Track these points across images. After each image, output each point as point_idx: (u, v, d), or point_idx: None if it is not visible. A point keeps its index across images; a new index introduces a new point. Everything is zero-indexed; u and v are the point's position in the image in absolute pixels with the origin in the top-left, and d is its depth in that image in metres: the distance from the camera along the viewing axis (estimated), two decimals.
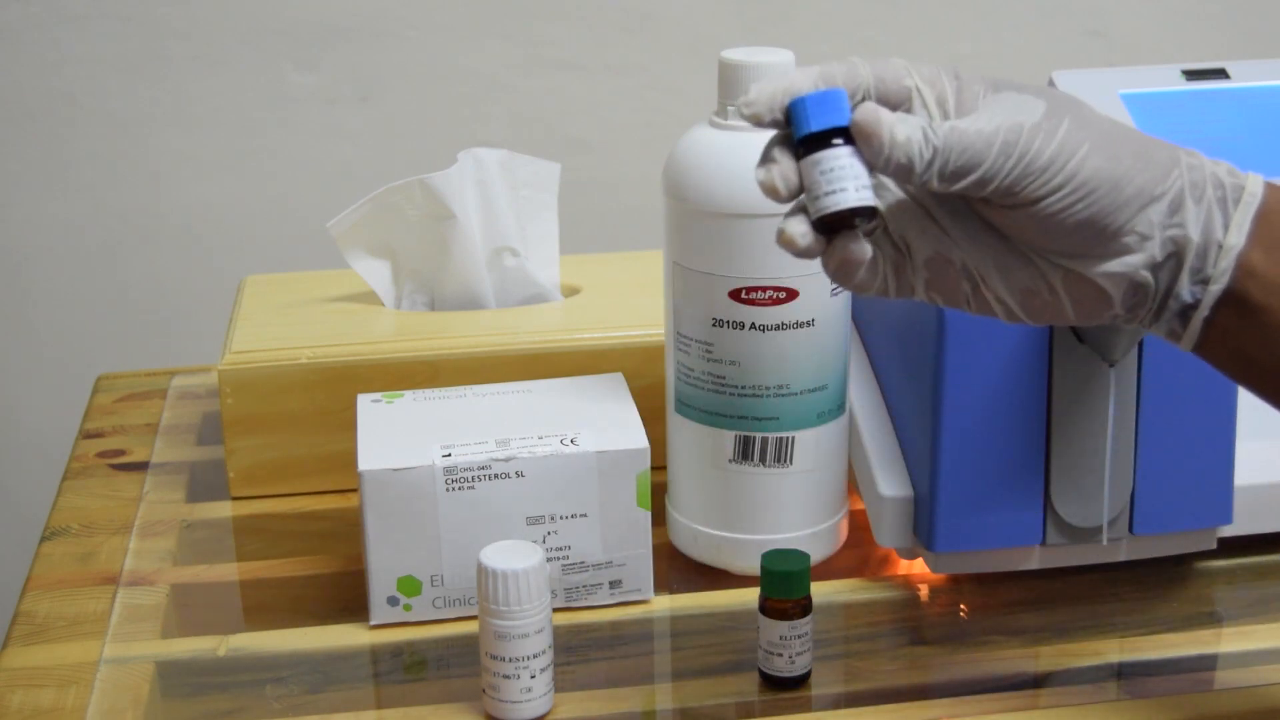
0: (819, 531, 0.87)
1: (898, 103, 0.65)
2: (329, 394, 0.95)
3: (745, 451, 0.84)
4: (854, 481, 0.90)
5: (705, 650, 0.81)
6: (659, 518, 0.87)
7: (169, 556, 0.91)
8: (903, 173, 0.64)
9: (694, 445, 0.86)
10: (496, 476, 0.81)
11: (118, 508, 0.96)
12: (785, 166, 0.65)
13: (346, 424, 0.92)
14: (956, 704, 0.76)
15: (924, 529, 0.83)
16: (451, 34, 1.42)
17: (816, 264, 0.81)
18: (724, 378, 0.83)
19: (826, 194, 0.64)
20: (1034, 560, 0.84)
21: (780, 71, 0.81)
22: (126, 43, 1.39)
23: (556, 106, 1.45)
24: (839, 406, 0.85)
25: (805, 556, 0.77)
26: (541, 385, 0.89)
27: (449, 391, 0.89)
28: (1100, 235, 0.65)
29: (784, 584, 0.76)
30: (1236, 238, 0.65)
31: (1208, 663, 0.80)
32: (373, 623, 0.83)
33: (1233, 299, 0.66)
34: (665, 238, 0.85)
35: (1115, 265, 0.66)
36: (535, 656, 0.74)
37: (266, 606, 0.87)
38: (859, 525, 0.90)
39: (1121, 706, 0.76)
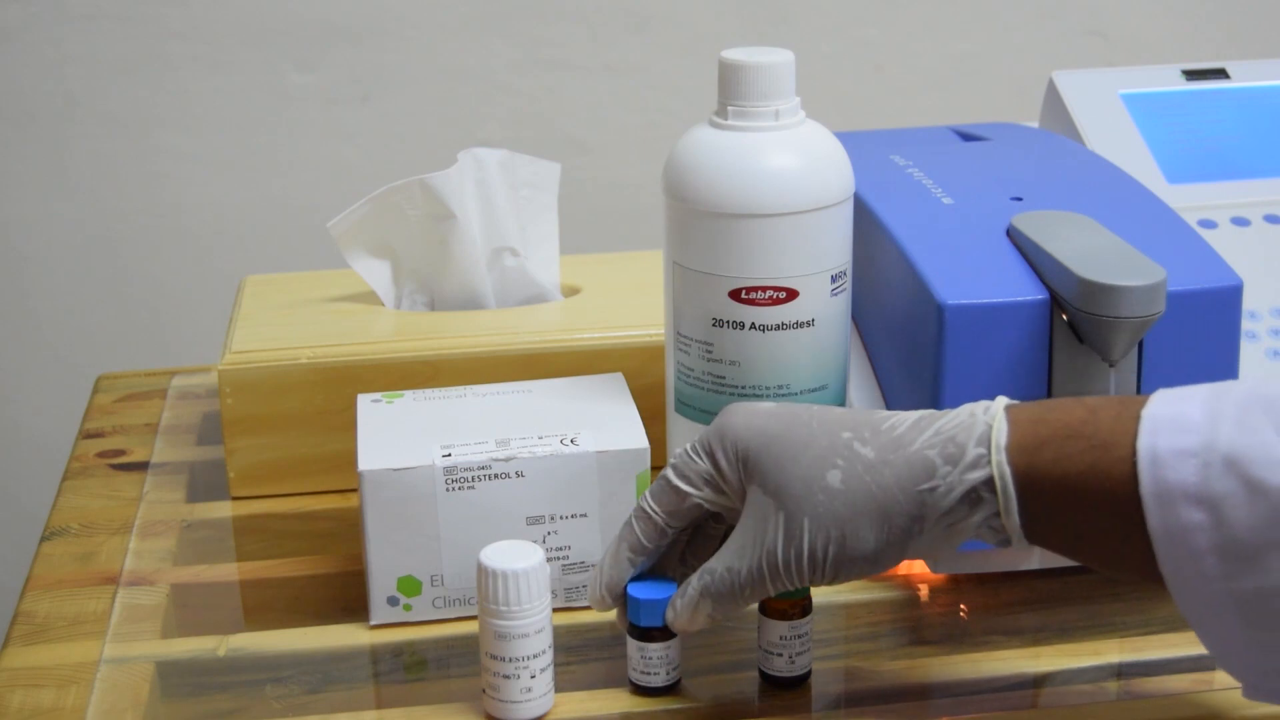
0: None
1: (696, 515, 0.75)
2: (329, 394, 0.95)
3: None
4: None
5: (705, 650, 0.81)
6: None
7: (169, 556, 0.91)
8: (732, 611, 0.74)
9: None
10: (496, 476, 0.81)
11: (118, 508, 0.96)
12: (624, 624, 0.77)
13: (346, 424, 0.92)
14: (956, 704, 0.76)
15: None
16: (451, 34, 1.42)
17: (816, 264, 0.82)
18: (724, 378, 0.83)
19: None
20: (1034, 560, 0.84)
21: (780, 72, 0.81)
22: (126, 43, 1.39)
23: (556, 106, 1.45)
24: (839, 406, 0.85)
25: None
26: (541, 385, 0.89)
27: (449, 391, 0.89)
28: (897, 568, 0.74)
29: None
30: (1010, 521, 0.68)
31: (1208, 663, 0.80)
32: (373, 623, 0.83)
33: (1040, 538, 0.69)
34: (665, 238, 0.85)
35: (928, 562, 0.74)
36: (535, 656, 0.74)
37: (266, 606, 0.87)
38: None
39: (1121, 706, 0.76)
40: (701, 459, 0.74)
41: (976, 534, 0.70)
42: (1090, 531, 0.68)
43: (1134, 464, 0.65)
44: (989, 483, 0.68)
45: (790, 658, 0.77)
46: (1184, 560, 0.65)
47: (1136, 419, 0.66)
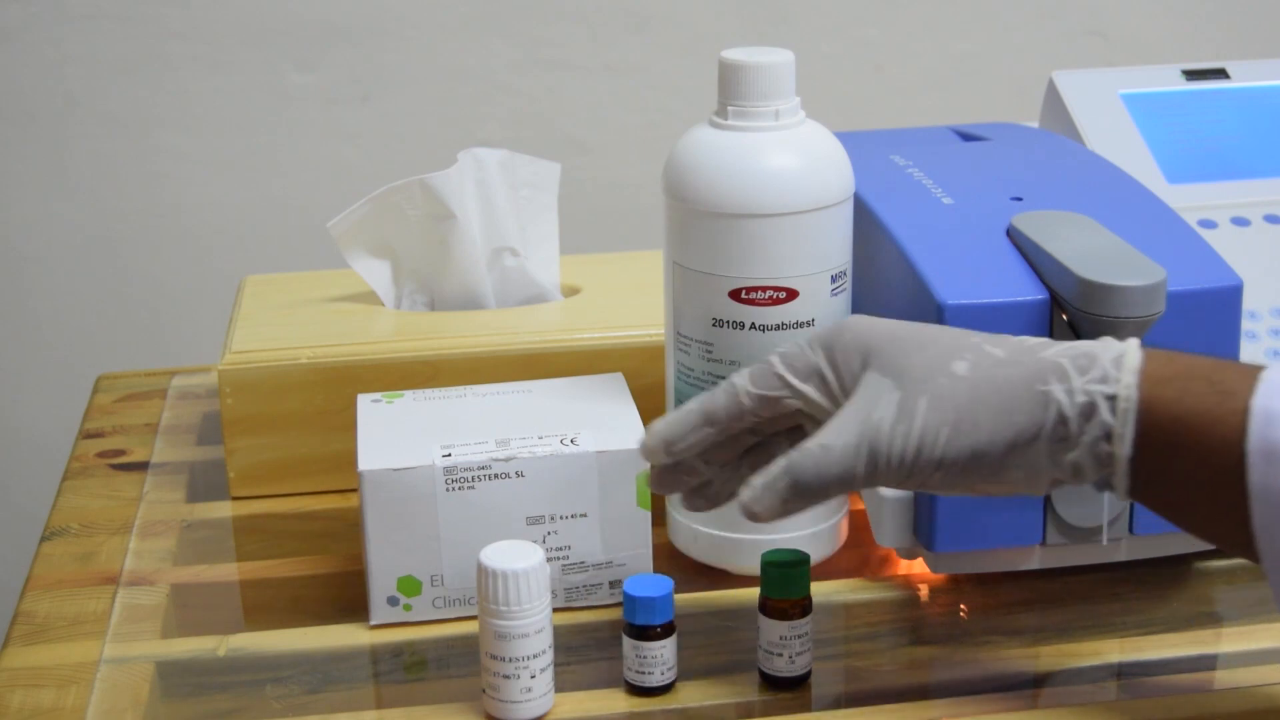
0: (819, 531, 0.87)
1: (783, 411, 0.72)
2: (329, 394, 0.95)
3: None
4: None
5: (705, 650, 0.81)
6: (659, 518, 0.87)
7: (169, 556, 0.91)
8: (807, 502, 0.71)
9: None
10: (496, 476, 0.81)
11: (118, 508, 0.96)
12: (657, 483, 0.76)
13: (346, 424, 0.92)
14: (956, 704, 0.76)
15: (924, 529, 0.83)
16: (451, 34, 1.42)
17: (816, 264, 0.82)
18: (724, 378, 0.83)
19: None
20: (1034, 560, 0.84)
21: (780, 72, 0.81)
22: (126, 43, 1.39)
23: (556, 106, 1.45)
24: None
25: (805, 556, 0.76)
26: (541, 385, 0.89)
27: (449, 391, 0.89)
28: (991, 484, 0.70)
29: (784, 584, 0.76)
30: (1122, 450, 0.68)
31: (1208, 663, 0.80)
32: (373, 623, 0.83)
33: (1142, 483, 0.69)
34: (665, 238, 0.85)
35: (1020, 487, 0.70)
36: (535, 656, 0.74)
37: (266, 606, 0.87)
38: (859, 525, 0.90)
39: (1121, 706, 0.76)
40: (815, 352, 0.72)
41: (1079, 461, 0.68)
42: (1193, 479, 0.67)
43: (1246, 417, 0.65)
44: (1112, 400, 0.67)
45: (790, 657, 0.77)
46: (1276, 522, 0.65)
47: (1257, 378, 0.66)
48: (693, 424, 0.73)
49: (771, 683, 0.77)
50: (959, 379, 0.69)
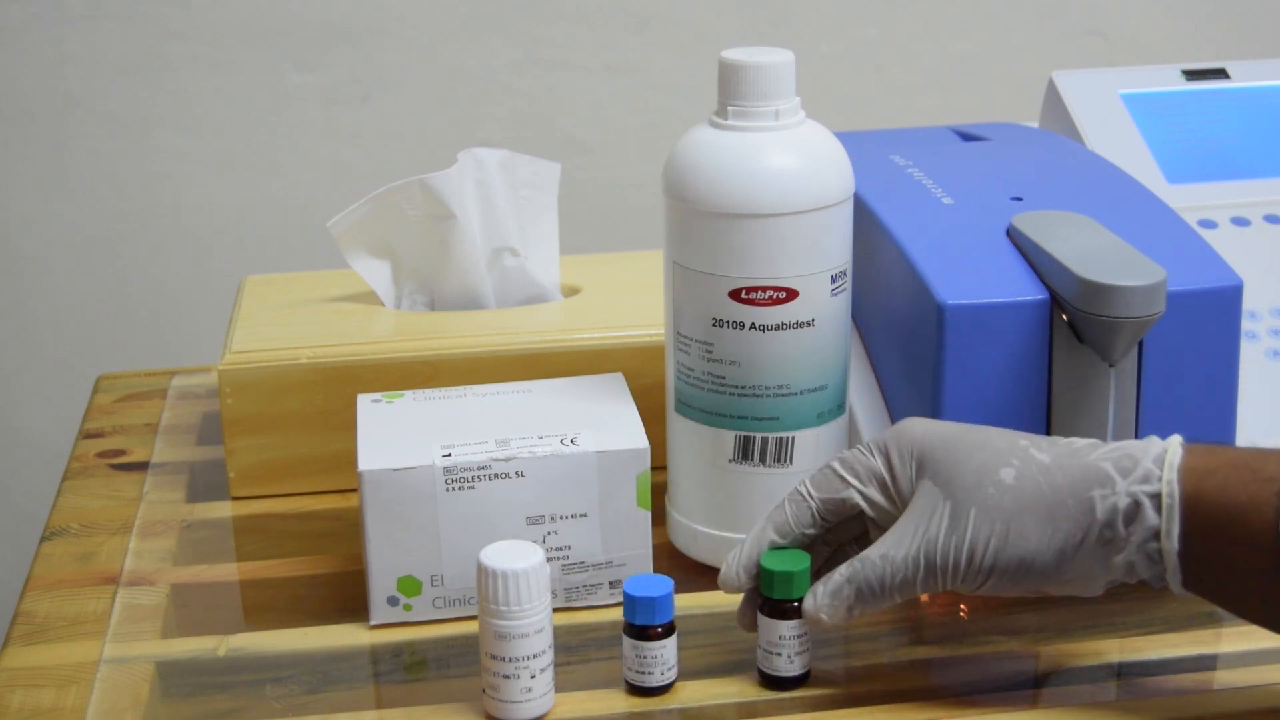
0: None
1: (849, 513, 0.76)
2: (329, 394, 0.95)
3: (745, 451, 0.84)
4: None
5: (705, 650, 0.81)
6: (659, 518, 0.87)
7: (169, 556, 0.91)
8: (869, 606, 0.74)
9: (694, 445, 0.86)
10: (496, 476, 0.81)
11: (118, 508, 0.96)
12: (745, 618, 0.78)
13: (346, 424, 0.92)
14: (956, 704, 0.76)
15: None
16: (451, 34, 1.42)
17: (816, 264, 0.82)
18: (724, 378, 0.83)
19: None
20: None
21: (780, 72, 0.81)
22: (126, 43, 1.39)
23: (556, 106, 1.45)
24: (839, 406, 0.85)
25: (805, 556, 0.76)
26: (541, 385, 0.89)
27: (449, 391, 0.89)
28: (1037, 588, 0.72)
29: (784, 584, 0.76)
30: (1170, 545, 0.69)
31: (1208, 663, 0.80)
32: (373, 623, 0.83)
33: (1194, 576, 0.70)
34: (665, 238, 0.85)
35: (1073, 590, 0.72)
36: (535, 656, 0.74)
37: (266, 606, 0.87)
38: None
39: (1121, 706, 0.76)
40: (874, 456, 0.75)
41: (1131, 561, 0.70)
42: (1244, 568, 0.69)
43: None
44: (1156, 498, 0.69)
45: (790, 657, 0.77)
46: None
47: None
48: (766, 543, 0.76)
49: (771, 682, 0.77)
50: (1006, 488, 0.71)
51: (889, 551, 0.72)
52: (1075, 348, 0.80)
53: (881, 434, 0.75)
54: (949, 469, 0.72)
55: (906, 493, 0.74)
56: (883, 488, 0.75)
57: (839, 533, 0.78)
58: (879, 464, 0.75)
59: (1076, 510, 0.70)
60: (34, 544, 0.93)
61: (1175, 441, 0.71)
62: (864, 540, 0.77)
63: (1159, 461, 0.70)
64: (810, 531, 0.76)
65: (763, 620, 0.77)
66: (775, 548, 0.76)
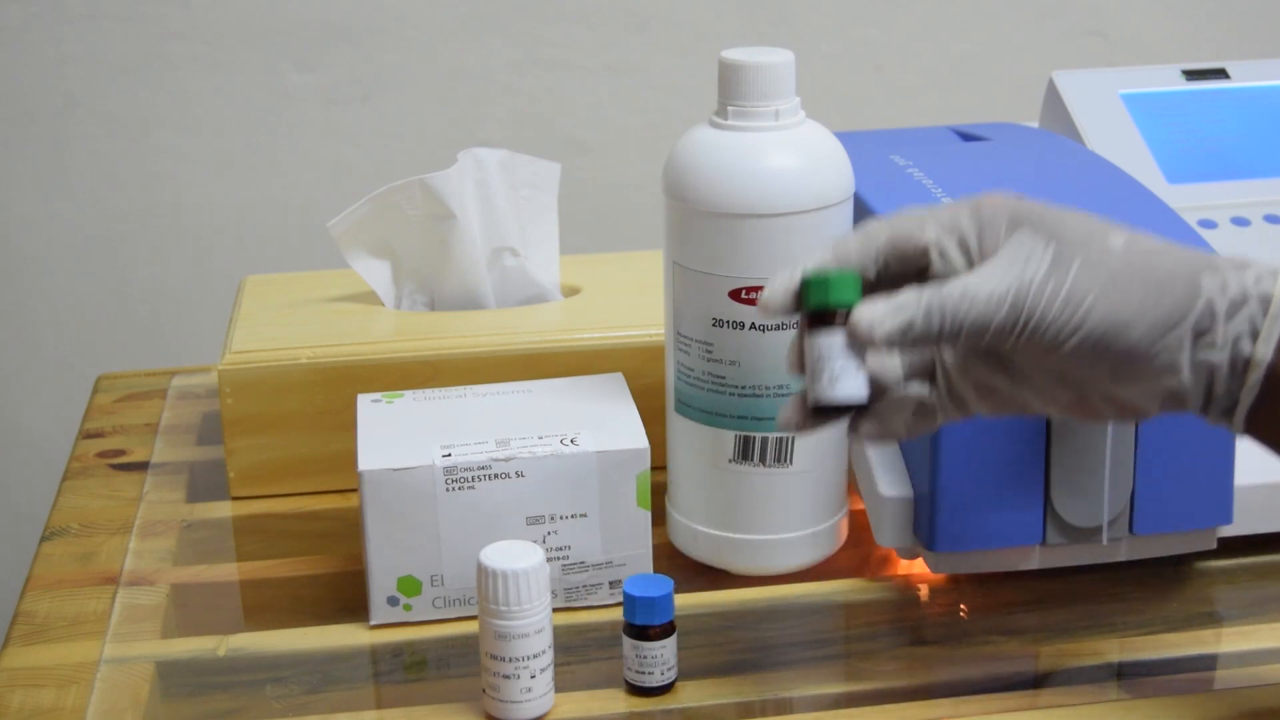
0: (819, 531, 0.87)
1: (916, 260, 0.69)
2: (329, 394, 0.95)
3: (745, 451, 0.84)
4: (854, 481, 0.90)
5: (705, 650, 0.81)
6: (659, 518, 0.87)
7: (169, 556, 0.91)
8: (914, 346, 0.68)
9: (694, 445, 0.86)
10: (496, 476, 0.81)
11: (118, 508, 0.96)
12: (794, 350, 0.70)
13: (346, 424, 0.92)
14: (956, 704, 0.76)
15: (924, 529, 0.83)
16: (451, 34, 1.42)
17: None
18: (724, 378, 0.83)
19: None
20: (1034, 560, 0.84)
21: (780, 72, 0.81)
22: (126, 43, 1.39)
23: (556, 106, 1.45)
24: None
25: (856, 275, 0.69)
26: (541, 385, 0.89)
27: (449, 391, 0.89)
28: (1119, 370, 0.67)
29: (824, 287, 0.67)
30: (1265, 350, 0.66)
31: (1208, 663, 0.80)
32: (373, 623, 0.83)
33: (1270, 399, 0.67)
34: (665, 238, 0.85)
35: (1144, 388, 0.68)
36: (535, 656, 0.74)
37: (266, 606, 0.87)
38: (859, 525, 0.90)
39: (1121, 706, 0.76)
40: (959, 208, 0.69)
41: (1213, 364, 0.67)
42: None
43: None
44: (1265, 301, 0.66)
45: (832, 378, 0.68)
46: None
47: None
48: (822, 260, 0.69)
49: (821, 413, 0.69)
50: (1114, 252, 0.67)
51: (970, 287, 0.66)
52: None
53: (968, 197, 0.70)
54: (1052, 223, 0.67)
55: (988, 252, 0.68)
56: (962, 245, 0.69)
57: (895, 285, 0.70)
58: (964, 217, 0.69)
59: (1184, 287, 0.66)
60: (34, 544, 0.93)
61: None
62: None
63: (1274, 274, 0.66)
64: (868, 267, 0.69)
65: (807, 342, 0.69)
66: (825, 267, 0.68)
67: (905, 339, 0.67)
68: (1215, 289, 0.67)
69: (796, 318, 0.70)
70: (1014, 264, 0.66)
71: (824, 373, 0.68)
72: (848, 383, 0.68)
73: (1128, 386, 0.68)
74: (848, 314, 0.67)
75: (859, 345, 0.67)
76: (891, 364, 0.70)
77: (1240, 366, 0.67)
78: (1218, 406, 0.68)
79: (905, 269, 0.70)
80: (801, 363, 0.70)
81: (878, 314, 0.66)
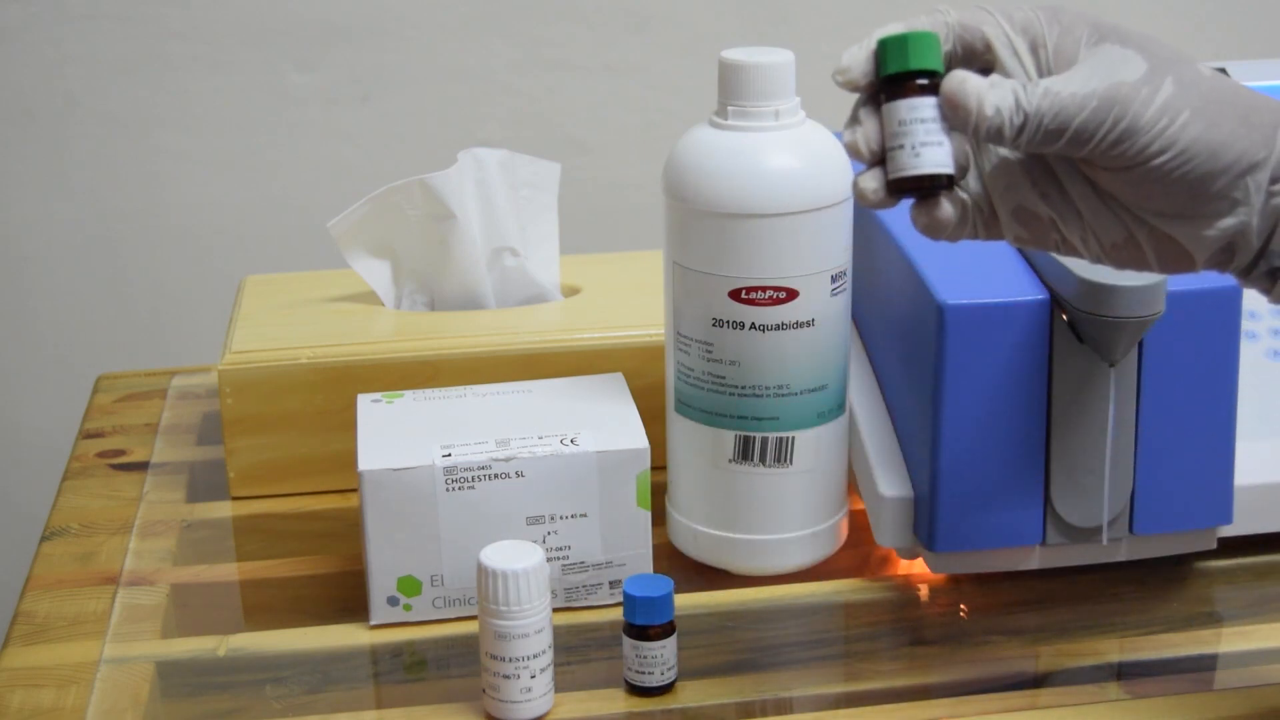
0: (819, 531, 0.87)
1: (981, 55, 0.65)
2: (329, 394, 0.95)
3: (745, 451, 0.84)
4: (854, 481, 0.90)
5: (705, 650, 0.81)
6: (659, 518, 0.87)
7: (169, 556, 0.91)
8: (993, 139, 0.63)
9: (694, 445, 0.86)
10: (496, 476, 0.81)
11: (118, 508, 0.96)
12: (869, 127, 0.64)
13: (346, 424, 0.92)
14: (956, 704, 0.76)
15: (924, 529, 0.83)
16: (451, 34, 1.42)
17: (816, 264, 0.82)
18: (724, 378, 0.83)
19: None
20: (1034, 560, 0.84)
21: (780, 72, 0.81)
22: (126, 43, 1.39)
23: (556, 106, 1.45)
24: (839, 406, 0.85)
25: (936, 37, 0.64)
26: (541, 385, 0.89)
27: (449, 391, 0.89)
28: (1195, 199, 0.64)
29: (906, 49, 0.62)
30: None
31: (1208, 663, 0.80)
32: (373, 623, 0.83)
33: None
34: (665, 238, 0.85)
35: (1208, 229, 0.65)
36: (535, 656, 0.74)
37: (266, 606, 0.87)
38: (859, 525, 0.90)
39: (1121, 706, 0.76)
40: (1038, 9, 0.65)
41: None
42: None
43: None
44: None
45: (915, 148, 0.63)
46: None
47: None
48: (890, 31, 0.65)
49: (905, 182, 0.64)
50: (1204, 76, 0.64)
51: (1054, 85, 0.62)
52: (1075, 348, 0.80)
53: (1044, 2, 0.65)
54: (1140, 40, 0.63)
55: (1065, 61, 0.64)
56: (1034, 45, 0.64)
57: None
58: (1040, 20, 0.64)
59: (1269, 126, 0.63)
60: (34, 544, 0.93)
61: None
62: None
63: None
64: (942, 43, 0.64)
65: (885, 111, 0.63)
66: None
67: (998, 122, 0.62)
68: None
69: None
70: (1105, 67, 0.62)
71: (906, 143, 0.62)
72: (933, 153, 0.62)
73: (1190, 225, 0.65)
74: (930, 81, 0.62)
75: (954, 113, 0.62)
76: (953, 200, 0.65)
77: None
78: (1265, 264, 0.66)
79: (969, 65, 0.65)
80: (871, 137, 0.64)
81: (983, 84, 0.62)
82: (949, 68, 0.64)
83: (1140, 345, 0.81)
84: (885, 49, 0.63)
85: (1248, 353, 0.89)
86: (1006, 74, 0.65)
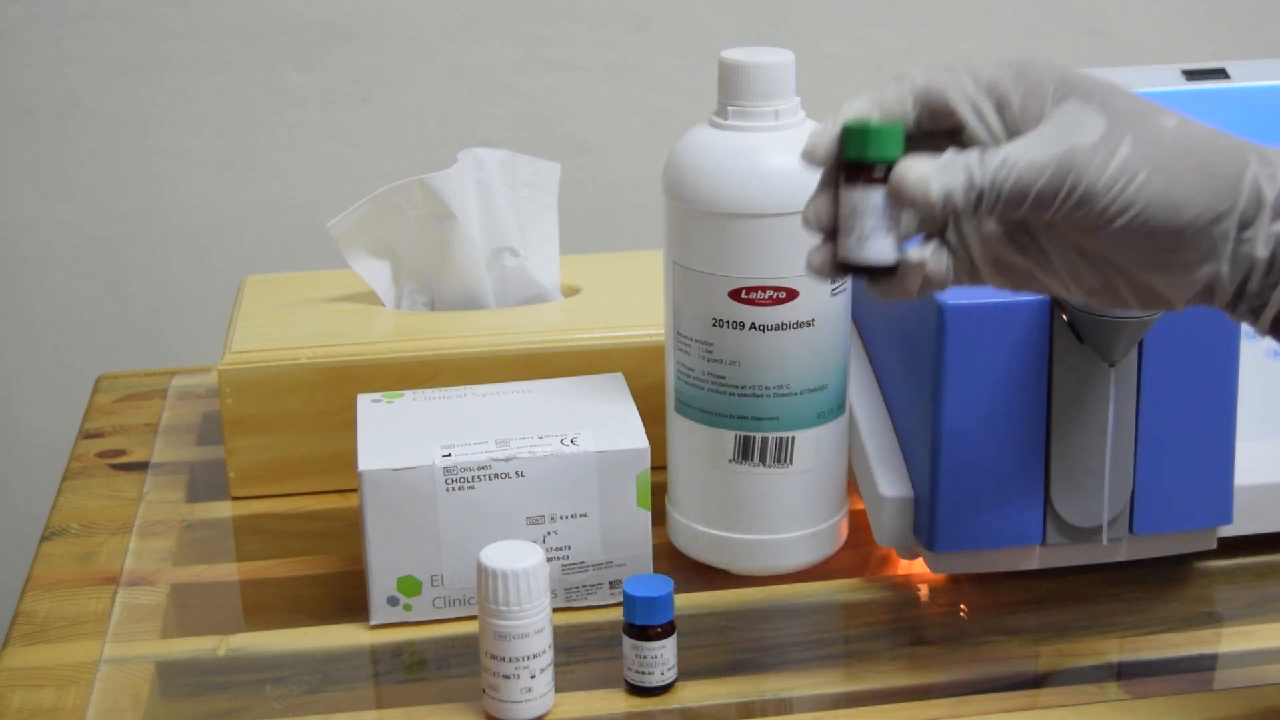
0: (819, 531, 0.87)
1: (948, 118, 0.66)
2: (329, 394, 0.95)
3: (745, 451, 0.84)
4: (854, 481, 0.90)
5: (705, 650, 0.81)
6: (659, 518, 0.87)
7: (169, 556, 0.91)
8: (952, 217, 0.65)
9: (694, 445, 0.86)
10: (496, 476, 0.81)
11: (118, 508, 0.96)
12: (822, 204, 0.67)
13: (346, 424, 0.92)
14: (956, 704, 0.76)
15: (924, 529, 0.83)
16: (451, 34, 1.42)
17: None
18: (724, 378, 0.83)
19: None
20: (1034, 560, 0.84)
21: (780, 72, 0.81)
22: (126, 43, 1.39)
23: (556, 106, 1.45)
24: (839, 406, 0.85)
25: (900, 125, 0.66)
26: (541, 385, 0.89)
27: (449, 391, 0.89)
28: (1164, 252, 0.65)
29: (863, 138, 0.64)
30: None
31: (1208, 663, 0.80)
32: (373, 623, 0.83)
33: None
34: (665, 238, 0.85)
35: (1183, 277, 0.66)
36: (535, 656, 0.74)
37: (266, 606, 0.87)
38: (859, 525, 0.90)
39: (1121, 706, 0.76)
40: (1002, 70, 0.65)
41: (1255, 257, 0.65)
42: None
43: None
44: None
45: (861, 237, 0.65)
46: None
47: None
48: (856, 110, 0.66)
49: (850, 270, 0.66)
50: (1166, 130, 0.64)
51: (1014, 152, 0.63)
52: (1075, 348, 0.80)
53: (1013, 57, 0.66)
54: (1104, 95, 0.64)
55: (1031, 118, 0.64)
56: (1000, 105, 0.65)
57: (929, 144, 0.67)
58: (1007, 78, 0.65)
59: (1233, 173, 0.64)
60: (34, 544, 0.93)
61: None
62: None
63: None
64: (907, 115, 0.66)
65: (842, 193, 0.66)
66: (867, 115, 0.65)
67: (948, 204, 0.63)
68: (1265, 178, 0.65)
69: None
70: (1063, 131, 0.63)
71: (855, 229, 0.65)
72: (878, 243, 0.65)
73: (1164, 275, 0.65)
74: (886, 170, 0.64)
75: (899, 203, 0.64)
76: (938, 259, 0.67)
77: (1277, 263, 0.65)
78: (1247, 304, 0.66)
79: (937, 126, 0.67)
80: (822, 215, 0.66)
81: (922, 170, 0.63)
82: (917, 131, 0.66)
83: (1140, 345, 0.81)
84: (847, 135, 0.65)
85: (1248, 353, 0.89)
86: (973, 135, 0.66)
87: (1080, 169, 0.63)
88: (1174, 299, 0.66)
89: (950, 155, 0.64)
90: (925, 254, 0.67)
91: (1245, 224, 0.65)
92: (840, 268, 0.66)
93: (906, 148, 0.65)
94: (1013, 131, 0.65)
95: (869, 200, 0.64)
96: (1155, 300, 0.67)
